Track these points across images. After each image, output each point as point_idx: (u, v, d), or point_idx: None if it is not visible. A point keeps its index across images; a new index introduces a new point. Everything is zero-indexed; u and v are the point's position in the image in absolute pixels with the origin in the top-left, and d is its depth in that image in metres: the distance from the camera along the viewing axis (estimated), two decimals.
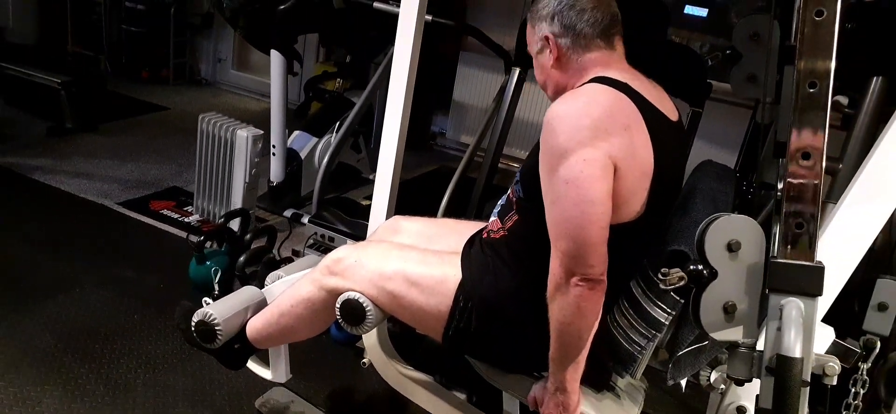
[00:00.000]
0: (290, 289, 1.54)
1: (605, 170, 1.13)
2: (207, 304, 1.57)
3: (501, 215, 1.41)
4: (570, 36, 1.29)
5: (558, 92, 1.33)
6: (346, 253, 1.45)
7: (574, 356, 1.21)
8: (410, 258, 1.41)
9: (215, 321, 1.52)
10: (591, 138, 1.12)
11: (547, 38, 1.30)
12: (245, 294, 1.64)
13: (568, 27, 1.29)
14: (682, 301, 1.12)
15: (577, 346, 1.19)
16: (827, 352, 1.15)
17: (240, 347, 1.60)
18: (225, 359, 1.63)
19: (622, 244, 1.19)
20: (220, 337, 1.54)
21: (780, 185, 0.95)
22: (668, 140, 1.24)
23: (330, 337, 2.25)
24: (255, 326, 1.58)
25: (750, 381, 1.02)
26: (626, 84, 1.22)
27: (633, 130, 1.17)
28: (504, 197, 1.44)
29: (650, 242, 1.24)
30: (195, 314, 1.56)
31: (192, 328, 1.56)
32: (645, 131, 1.19)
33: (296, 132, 3.62)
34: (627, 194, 1.18)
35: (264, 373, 1.80)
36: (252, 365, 1.80)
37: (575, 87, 1.29)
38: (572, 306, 1.15)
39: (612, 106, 1.17)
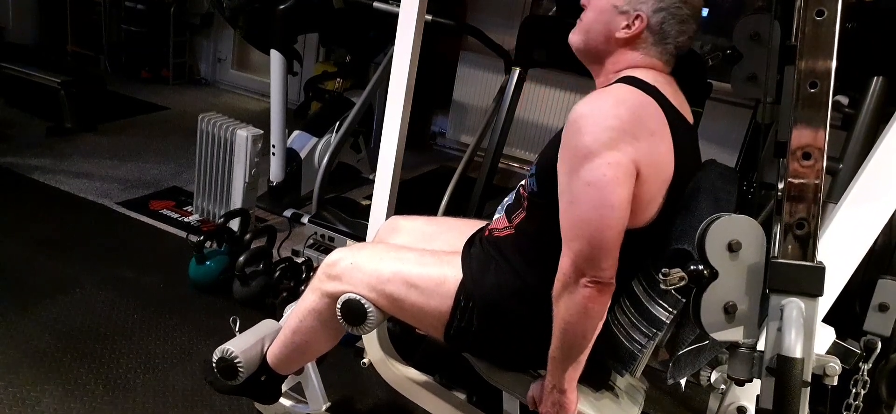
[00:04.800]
0: (296, 305, 1.53)
1: (628, 175, 1.11)
2: None
3: (508, 213, 1.39)
4: (656, 36, 1.24)
5: (589, 52, 1.29)
6: (341, 255, 1.44)
7: (575, 356, 1.20)
8: (408, 259, 1.40)
9: (234, 355, 1.54)
10: (617, 141, 1.10)
11: (639, 17, 1.23)
12: (262, 327, 1.65)
13: (662, 29, 1.24)
14: (684, 300, 1.12)
15: (579, 346, 1.19)
16: (827, 352, 1.15)
17: (266, 378, 1.60)
18: (255, 393, 1.63)
19: (634, 248, 1.18)
20: (241, 370, 1.55)
21: (780, 185, 0.95)
22: (687, 146, 1.23)
23: None
24: (273, 352, 1.58)
25: (750, 381, 1.02)
26: (654, 87, 1.20)
27: (657, 137, 1.16)
28: (512, 194, 1.42)
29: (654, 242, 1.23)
30: (214, 353, 1.56)
31: (215, 368, 1.56)
32: (669, 139, 1.17)
33: (296, 132, 3.62)
34: (647, 200, 1.17)
35: (301, 406, 1.80)
36: (286, 402, 1.80)
37: (606, 73, 1.27)
38: (579, 307, 1.14)
39: (639, 109, 1.15)
